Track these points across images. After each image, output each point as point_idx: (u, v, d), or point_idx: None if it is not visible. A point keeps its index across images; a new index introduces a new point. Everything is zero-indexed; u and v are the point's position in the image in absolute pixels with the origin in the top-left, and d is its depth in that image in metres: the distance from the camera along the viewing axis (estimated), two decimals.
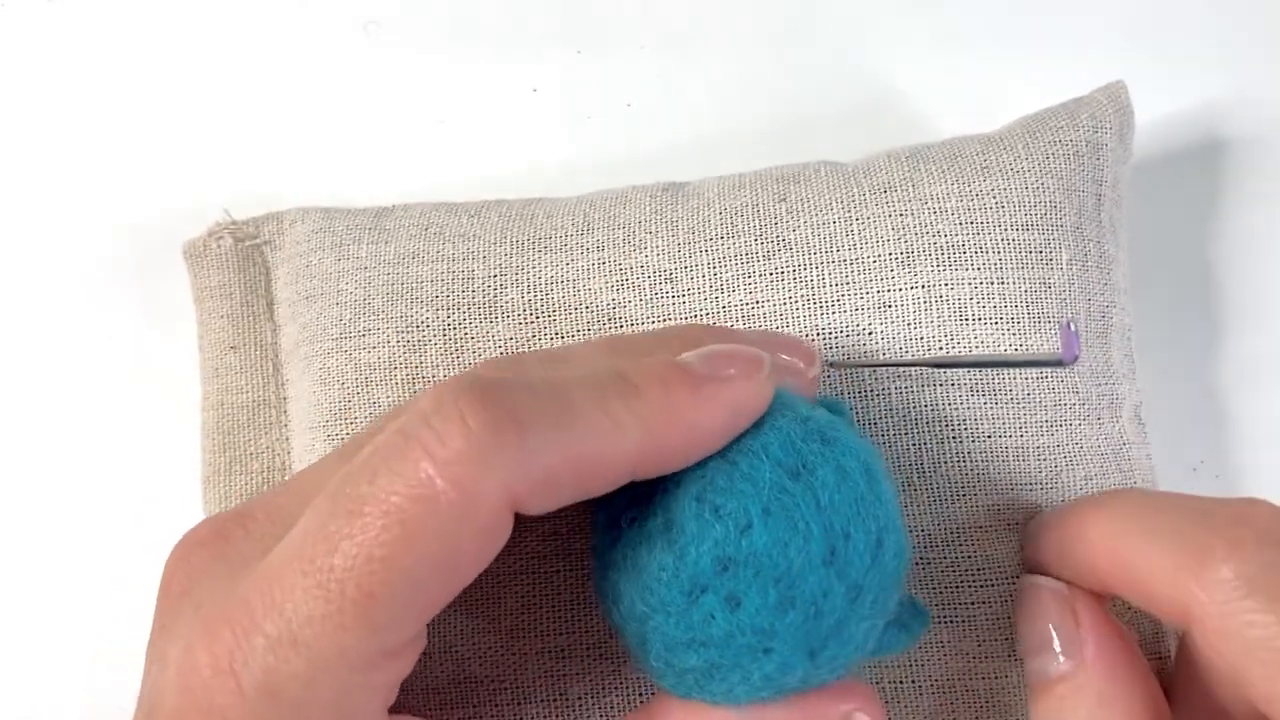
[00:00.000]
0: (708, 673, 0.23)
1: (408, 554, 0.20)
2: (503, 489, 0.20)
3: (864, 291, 0.29)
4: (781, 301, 0.29)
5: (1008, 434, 0.28)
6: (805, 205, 0.30)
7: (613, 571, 0.24)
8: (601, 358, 0.25)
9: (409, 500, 0.20)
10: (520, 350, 0.29)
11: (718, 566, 0.22)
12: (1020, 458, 0.28)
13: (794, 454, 0.23)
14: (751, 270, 0.29)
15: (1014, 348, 0.29)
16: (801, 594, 0.22)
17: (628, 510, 0.24)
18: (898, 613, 0.25)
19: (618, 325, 0.29)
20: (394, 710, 0.23)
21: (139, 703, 0.23)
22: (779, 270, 0.29)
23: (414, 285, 0.30)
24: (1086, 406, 0.29)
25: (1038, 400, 0.29)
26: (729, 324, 0.29)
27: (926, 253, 0.29)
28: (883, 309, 0.29)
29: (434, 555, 0.20)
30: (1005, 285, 0.29)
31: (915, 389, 0.28)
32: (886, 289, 0.29)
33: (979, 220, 0.29)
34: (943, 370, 0.28)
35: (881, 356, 0.28)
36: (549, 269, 0.30)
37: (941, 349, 0.28)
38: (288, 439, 0.32)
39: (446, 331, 0.29)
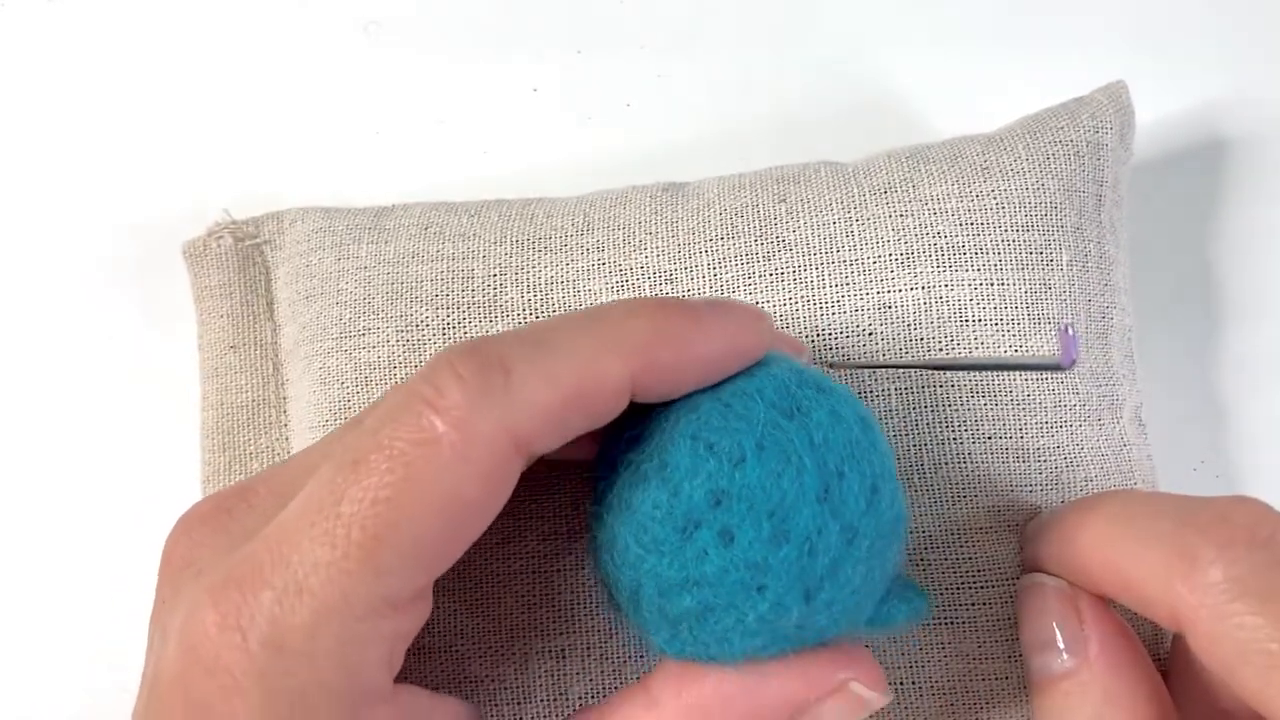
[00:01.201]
0: (701, 616, 0.23)
1: (412, 497, 0.20)
2: (502, 430, 0.21)
3: (864, 292, 0.29)
4: (782, 302, 0.29)
5: (1008, 435, 0.28)
6: (805, 206, 0.30)
7: (608, 515, 0.24)
8: None
9: (412, 445, 0.21)
10: None
11: (711, 500, 0.22)
12: (1021, 459, 0.28)
13: (788, 397, 0.23)
14: (752, 271, 0.29)
15: (1014, 349, 0.29)
16: (795, 528, 0.22)
17: (624, 455, 0.24)
18: (897, 587, 0.24)
19: None
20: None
21: (141, 682, 0.23)
22: (779, 271, 0.29)
23: (414, 285, 0.30)
24: (1087, 407, 0.29)
25: (1038, 401, 0.29)
26: None
27: (926, 254, 0.29)
28: (883, 310, 0.29)
29: (438, 499, 0.21)
30: (1005, 286, 0.29)
31: (915, 390, 0.28)
32: (887, 290, 0.29)
33: (979, 221, 0.29)
34: (943, 371, 0.28)
35: (881, 358, 0.28)
36: (549, 269, 0.30)
37: (942, 350, 0.28)
38: (288, 439, 0.32)
39: (446, 331, 0.29)
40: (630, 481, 0.23)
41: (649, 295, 0.29)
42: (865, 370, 0.28)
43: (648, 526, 0.23)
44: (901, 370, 0.28)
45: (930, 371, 0.28)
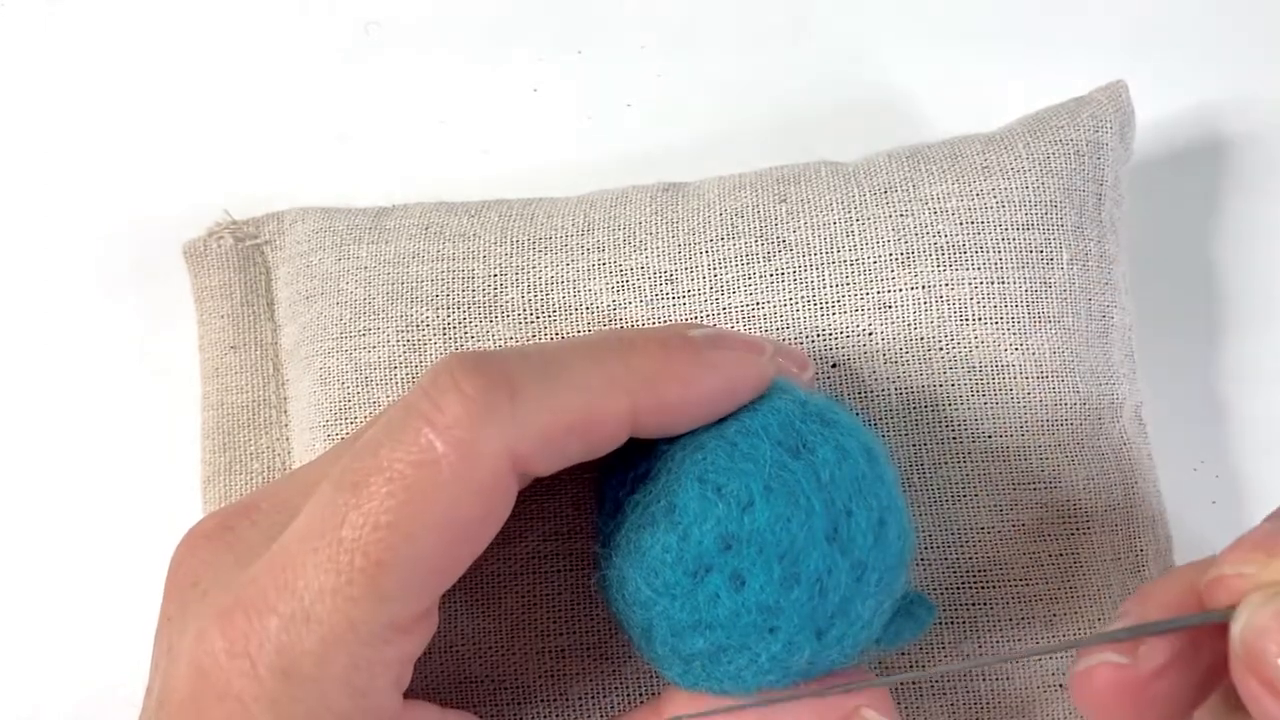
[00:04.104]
0: (714, 656, 0.23)
1: (413, 519, 0.20)
2: (502, 449, 0.21)
3: (864, 292, 0.29)
4: (782, 303, 0.29)
5: (1008, 434, 0.28)
6: (805, 206, 0.30)
7: (617, 557, 0.24)
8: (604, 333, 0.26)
9: (412, 466, 0.21)
10: None
11: (721, 545, 0.22)
12: (1021, 457, 0.28)
13: (793, 434, 0.23)
14: (752, 271, 0.29)
15: (1014, 347, 0.29)
16: (806, 570, 0.22)
17: (631, 496, 0.24)
18: (904, 604, 0.25)
19: (618, 326, 0.29)
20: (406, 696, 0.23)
21: (147, 696, 0.23)
22: (779, 271, 0.29)
23: (414, 285, 0.30)
24: (1087, 406, 0.29)
25: (1038, 400, 0.29)
26: (729, 326, 0.29)
27: (927, 253, 0.29)
28: (883, 309, 0.29)
29: (439, 519, 0.21)
30: (1006, 285, 0.29)
31: (915, 389, 0.28)
32: (887, 289, 0.29)
33: (979, 220, 0.29)
34: (943, 370, 0.28)
35: (881, 357, 0.28)
36: (549, 269, 0.30)
37: (942, 349, 0.28)
38: (288, 439, 0.32)
39: (446, 331, 0.29)
40: (638, 524, 0.23)
41: (649, 297, 0.29)
42: (865, 369, 0.28)
43: (658, 570, 0.23)
44: (901, 369, 0.28)
45: (930, 370, 0.28)
